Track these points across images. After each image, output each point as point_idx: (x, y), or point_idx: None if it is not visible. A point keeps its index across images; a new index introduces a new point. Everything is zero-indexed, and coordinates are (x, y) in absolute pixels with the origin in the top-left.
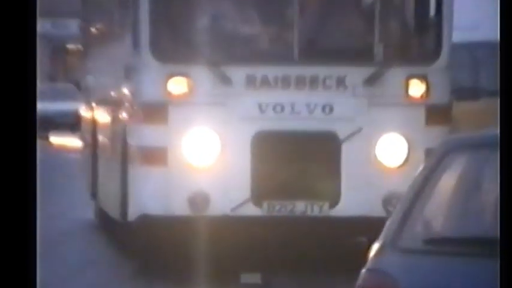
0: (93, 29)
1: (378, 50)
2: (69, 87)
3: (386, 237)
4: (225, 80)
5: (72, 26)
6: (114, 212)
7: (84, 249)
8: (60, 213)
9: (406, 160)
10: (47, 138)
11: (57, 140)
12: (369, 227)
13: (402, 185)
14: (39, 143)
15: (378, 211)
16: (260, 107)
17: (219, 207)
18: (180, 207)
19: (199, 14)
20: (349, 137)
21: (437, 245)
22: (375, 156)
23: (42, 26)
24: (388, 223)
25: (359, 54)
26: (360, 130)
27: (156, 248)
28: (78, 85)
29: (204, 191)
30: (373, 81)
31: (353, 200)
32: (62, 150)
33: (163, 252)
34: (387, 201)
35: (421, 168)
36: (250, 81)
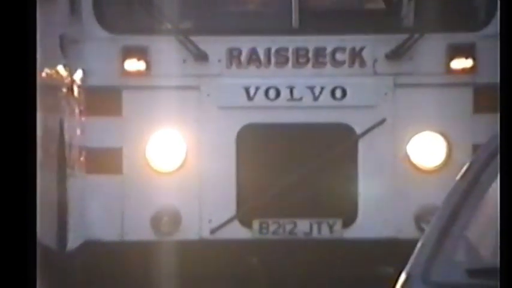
0: None
1: (407, 11)
2: None
3: (416, 266)
4: (200, 56)
5: None
6: (49, 238)
7: None
8: None
9: (447, 161)
10: None
11: None
12: (396, 252)
13: (441, 196)
14: None
15: (408, 231)
16: (247, 91)
17: (193, 228)
18: (140, 230)
19: None
20: (369, 130)
21: (485, 277)
22: (405, 156)
23: None
24: (418, 247)
25: (381, 18)
26: (383, 121)
27: (105, 287)
28: None
29: (173, 207)
30: (401, 53)
31: (374, 216)
32: None
33: None
34: (421, 218)
35: (463, 171)
36: (234, 56)
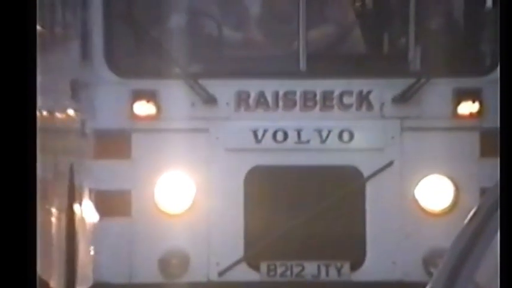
0: None
1: (414, 55)
2: None
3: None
4: (208, 99)
5: None
6: (57, 281)
7: None
8: None
9: (455, 204)
10: None
11: None
12: None
13: (449, 239)
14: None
15: (415, 274)
16: (255, 134)
17: (201, 270)
18: (148, 272)
19: (172, 11)
20: (377, 173)
21: None
22: (412, 199)
23: None
24: None
25: (388, 62)
26: (391, 164)
27: None
28: None
29: (181, 250)
30: (408, 97)
31: (382, 259)
32: None
33: None
34: (429, 261)
35: (471, 215)
36: (242, 99)
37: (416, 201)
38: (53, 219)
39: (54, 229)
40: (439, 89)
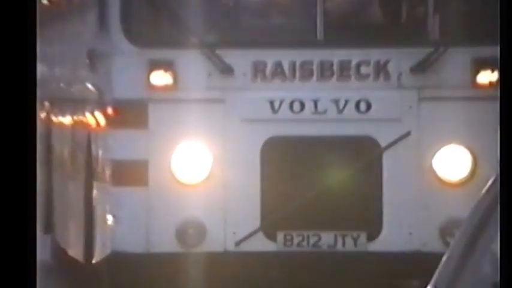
0: (47, 1)
1: (433, 24)
2: None
3: (442, 279)
4: (225, 69)
5: None
6: (75, 250)
7: None
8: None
9: (472, 174)
10: None
11: None
12: (421, 265)
13: (466, 209)
14: None
15: (433, 244)
16: (272, 104)
17: (218, 240)
18: (165, 242)
19: None
20: (394, 143)
21: None
22: (430, 169)
23: None
24: (444, 260)
25: (406, 31)
26: (408, 134)
27: None
28: None
29: (198, 220)
30: (426, 66)
31: (399, 229)
32: None
33: None
34: (446, 231)
35: (489, 185)
36: (259, 69)
37: (433, 171)
38: (71, 190)
39: (72, 199)
40: (458, 58)
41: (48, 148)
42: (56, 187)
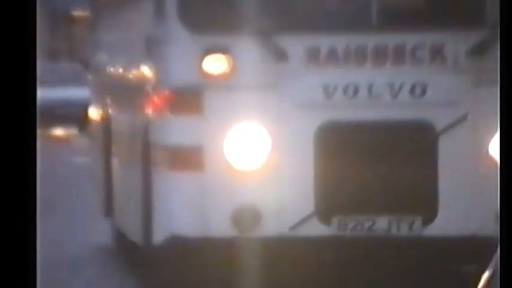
0: None
1: (491, 6)
2: (75, 68)
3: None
4: (279, 55)
5: None
6: (135, 233)
7: (97, 283)
8: (66, 237)
9: None
10: (46, 135)
11: (59, 138)
12: (478, 250)
13: None
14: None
15: (489, 229)
16: (326, 89)
17: (273, 225)
18: (221, 226)
19: None
20: (450, 127)
21: None
22: (487, 153)
23: None
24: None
25: (463, 14)
26: (464, 118)
27: (189, 281)
28: (86, 65)
29: (253, 205)
30: (483, 50)
31: (455, 214)
32: (66, 152)
33: (199, 286)
34: None
35: None
36: (313, 55)
37: (490, 155)
38: (130, 174)
39: (131, 184)
40: None
41: (107, 134)
42: (115, 173)
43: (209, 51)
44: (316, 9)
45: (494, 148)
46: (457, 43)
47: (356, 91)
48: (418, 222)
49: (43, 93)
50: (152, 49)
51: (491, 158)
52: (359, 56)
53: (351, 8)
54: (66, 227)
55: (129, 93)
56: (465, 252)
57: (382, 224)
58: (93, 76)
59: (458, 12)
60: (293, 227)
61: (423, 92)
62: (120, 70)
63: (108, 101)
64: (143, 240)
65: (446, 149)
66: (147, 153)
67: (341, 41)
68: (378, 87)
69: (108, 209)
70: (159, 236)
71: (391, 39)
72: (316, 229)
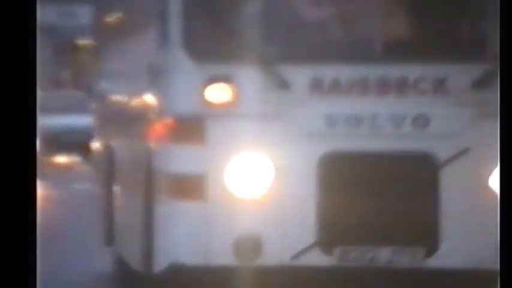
0: (109, 19)
1: (493, 39)
2: (78, 96)
3: None
4: (282, 84)
5: (82, 14)
6: (136, 261)
7: None
8: (66, 264)
9: None
10: (49, 162)
11: (62, 165)
12: (480, 282)
13: None
14: (38, 169)
15: (491, 261)
16: (329, 119)
17: (274, 254)
18: (223, 255)
19: None
20: (452, 160)
21: None
22: (488, 186)
23: (44, 14)
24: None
25: (465, 47)
26: (466, 151)
27: None
28: (89, 93)
29: (255, 233)
30: (486, 83)
31: (457, 245)
32: (68, 179)
33: None
34: None
35: None
36: (316, 85)
37: (491, 188)
38: (131, 202)
39: (132, 211)
40: None
41: (110, 162)
42: (117, 200)
43: (212, 80)
44: (320, 39)
45: (494, 181)
46: (460, 75)
47: (359, 121)
48: (420, 253)
49: (46, 121)
50: (155, 77)
51: (492, 192)
52: (362, 87)
53: (354, 39)
54: (67, 255)
55: (132, 121)
56: (467, 284)
57: (384, 255)
58: (96, 104)
59: (461, 45)
60: (295, 257)
61: (425, 123)
62: (124, 98)
63: (111, 128)
64: (144, 268)
65: (448, 181)
66: (149, 181)
67: (344, 72)
68: (380, 118)
69: (110, 236)
70: (160, 264)
71: (394, 71)
72: (318, 259)
